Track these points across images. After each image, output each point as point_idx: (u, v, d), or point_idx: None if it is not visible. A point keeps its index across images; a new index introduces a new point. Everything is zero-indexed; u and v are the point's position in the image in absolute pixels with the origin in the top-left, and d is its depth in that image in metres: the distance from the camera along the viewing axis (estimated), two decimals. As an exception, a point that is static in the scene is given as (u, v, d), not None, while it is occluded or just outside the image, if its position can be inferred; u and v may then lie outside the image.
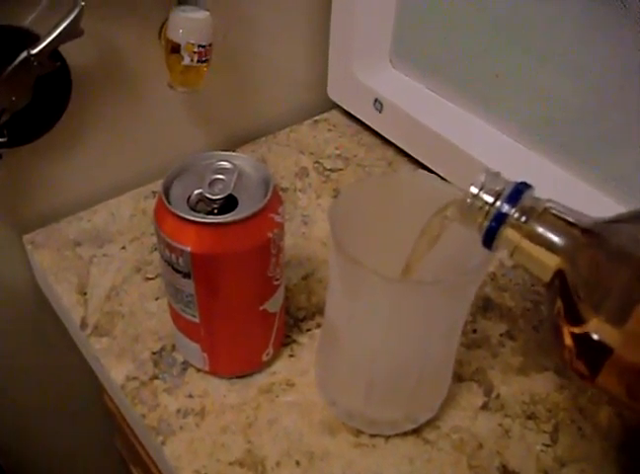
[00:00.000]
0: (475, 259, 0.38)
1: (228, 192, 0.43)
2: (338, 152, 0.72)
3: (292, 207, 0.65)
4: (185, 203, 0.43)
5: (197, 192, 0.44)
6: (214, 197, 0.43)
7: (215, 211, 0.43)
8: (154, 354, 0.53)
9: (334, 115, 0.77)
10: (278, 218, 0.44)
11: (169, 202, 0.43)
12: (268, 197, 0.43)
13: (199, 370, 0.52)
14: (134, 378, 0.52)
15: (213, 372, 0.51)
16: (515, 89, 0.60)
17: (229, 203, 0.43)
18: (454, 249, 0.41)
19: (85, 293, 0.58)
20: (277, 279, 0.47)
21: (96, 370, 0.58)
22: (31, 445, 0.83)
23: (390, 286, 0.37)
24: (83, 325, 0.55)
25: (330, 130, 0.75)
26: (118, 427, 0.72)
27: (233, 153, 0.46)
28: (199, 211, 0.43)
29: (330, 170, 0.70)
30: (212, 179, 0.44)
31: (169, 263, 0.44)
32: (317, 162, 0.71)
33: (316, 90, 0.77)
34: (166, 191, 0.44)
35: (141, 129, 0.66)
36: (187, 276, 0.44)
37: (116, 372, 0.52)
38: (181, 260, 0.43)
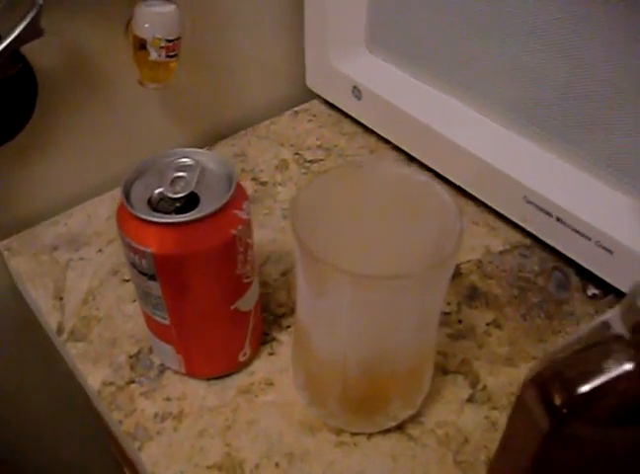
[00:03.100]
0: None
1: (190, 190, 0.42)
2: (318, 143, 0.70)
3: (272, 201, 0.64)
4: (146, 204, 0.42)
5: (158, 191, 0.42)
6: (176, 196, 0.42)
7: (178, 210, 0.42)
8: (131, 357, 0.52)
9: (314, 105, 0.76)
10: (242, 215, 0.42)
11: (130, 204, 0.41)
12: (230, 193, 0.41)
13: (176, 373, 0.51)
14: (111, 383, 0.51)
15: (190, 374, 0.50)
16: (497, 71, 0.58)
17: (192, 202, 0.42)
18: (427, 243, 0.40)
19: (61, 298, 0.56)
20: (247, 277, 0.45)
21: (76, 375, 0.57)
22: (25, 453, 0.82)
23: (354, 282, 0.35)
24: (60, 330, 0.54)
25: (310, 121, 0.74)
26: (107, 430, 0.71)
27: (196, 149, 0.44)
28: (161, 211, 0.42)
29: (310, 161, 0.68)
30: (174, 177, 0.42)
31: (134, 265, 0.43)
32: (297, 154, 0.69)
33: (295, 80, 0.75)
34: (126, 192, 0.42)
35: (115, 129, 0.65)
36: (152, 278, 0.42)
37: (92, 378, 0.51)
38: (144, 262, 0.41)
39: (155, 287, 0.43)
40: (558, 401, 0.30)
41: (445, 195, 0.39)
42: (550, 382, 0.31)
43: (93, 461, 0.90)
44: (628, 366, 0.29)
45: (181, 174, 0.43)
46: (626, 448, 0.32)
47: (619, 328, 0.30)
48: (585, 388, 0.30)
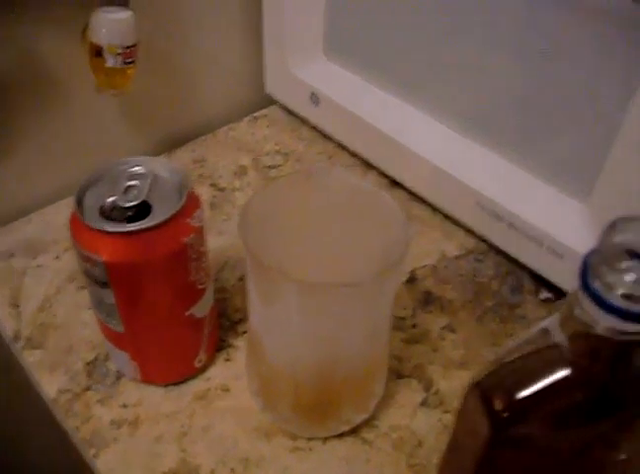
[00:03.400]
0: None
1: (142, 198, 0.42)
2: (277, 148, 0.71)
3: (231, 207, 0.64)
4: (98, 213, 0.42)
5: (110, 200, 0.42)
6: (127, 205, 0.42)
7: (130, 219, 0.42)
8: (88, 364, 0.52)
9: (273, 110, 0.76)
10: (194, 223, 0.42)
11: (82, 212, 0.42)
12: (181, 202, 0.41)
13: (132, 379, 0.51)
14: (67, 390, 0.51)
15: (146, 381, 0.50)
16: (452, 77, 0.59)
17: (144, 210, 0.42)
18: (376, 251, 0.40)
19: (18, 306, 0.56)
20: (201, 284, 0.45)
21: (33, 383, 0.57)
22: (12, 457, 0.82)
23: (302, 289, 0.36)
24: (16, 338, 0.54)
25: (269, 126, 0.74)
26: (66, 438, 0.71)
27: (148, 157, 0.45)
28: (113, 220, 0.42)
29: (269, 167, 0.69)
30: (126, 186, 0.43)
31: (87, 273, 0.43)
32: (256, 159, 0.70)
33: (254, 86, 0.75)
34: (79, 201, 0.42)
35: (73, 136, 0.65)
36: (105, 286, 0.42)
37: (48, 386, 0.51)
38: (97, 270, 0.42)
39: (108, 295, 0.43)
40: (498, 406, 0.31)
41: (393, 204, 0.39)
42: (491, 388, 0.32)
43: (58, 468, 0.89)
44: (565, 372, 0.30)
45: (133, 182, 0.43)
46: (566, 450, 0.33)
47: (558, 335, 0.31)
48: (524, 393, 0.30)
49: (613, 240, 0.27)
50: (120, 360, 0.49)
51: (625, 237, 0.28)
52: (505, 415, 0.31)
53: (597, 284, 0.27)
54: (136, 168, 0.44)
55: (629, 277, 0.26)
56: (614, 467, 0.46)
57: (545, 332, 0.32)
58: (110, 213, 0.42)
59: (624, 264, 0.27)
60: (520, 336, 0.33)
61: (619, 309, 0.27)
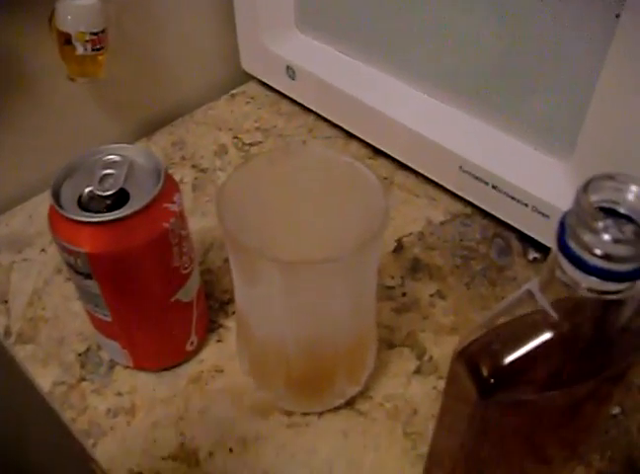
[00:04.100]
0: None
1: (119, 186, 0.42)
2: (257, 125, 0.70)
3: (213, 188, 0.64)
4: (75, 204, 0.41)
5: (88, 190, 0.42)
6: (105, 194, 0.41)
7: (109, 208, 0.42)
8: (80, 355, 0.52)
9: (251, 86, 0.75)
10: (173, 207, 0.42)
11: (60, 204, 0.41)
12: (158, 187, 0.41)
13: (126, 367, 0.51)
14: (62, 383, 0.51)
15: (138, 367, 0.50)
16: (426, 43, 0.58)
17: (123, 198, 0.42)
18: (356, 223, 0.40)
19: (6, 301, 0.56)
20: (185, 268, 0.45)
21: (28, 377, 0.57)
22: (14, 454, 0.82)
23: (282, 269, 0.36)
24: (7, 334, 0.54)
25: (248, 103, 0.73)
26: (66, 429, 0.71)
27: (123, 145, 0.44)
28: (92, 210, 0.41)
29: (250, 144, 0.68)
30: (102, 174, 0.42)
31: (70, 265, 0.43)
32: (236, 137, 0.69)
33: (230, 63, 0.74)
34: (56, 193, 0.42)
35: (49, 126, 0.64)
36: (89, 277, 0.42)
37: (43, 379, 0.51)
38: (79, 261, 0.41)
39: (93, 286, 0.43)
40: (484, 372, 0.31)
41: (371, 175, 0.39)
42: (476, 354, 0.32)
43: (62, 461, 0.90)
44: (549, 335, 0.30)
45: (109, 171, 0.43)
46: (557, 408, 0.33)
47: (540, 298, 0.30)
48: (509, 359, 0.30)
49: (588, 200, 0.27)
50: (112, 349, 0.49)
51: (600, 196, 0.28)
52: (492, 381, 0.31)
53: (575, 246, 0.27)
54: (111, 156, 0.43)
55: (607, 237, 0.26)
56: (607, 421, 0.46)
57: (529, 295, 0.32)
58: (88, 204, 0.42)
59: (601, 223, 0.26)
60: (504, 300, 0.33)
61: (599, 270, 0.27)
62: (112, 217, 0.40)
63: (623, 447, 0.46)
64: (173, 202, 0.42)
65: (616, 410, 0.47)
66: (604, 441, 0.46)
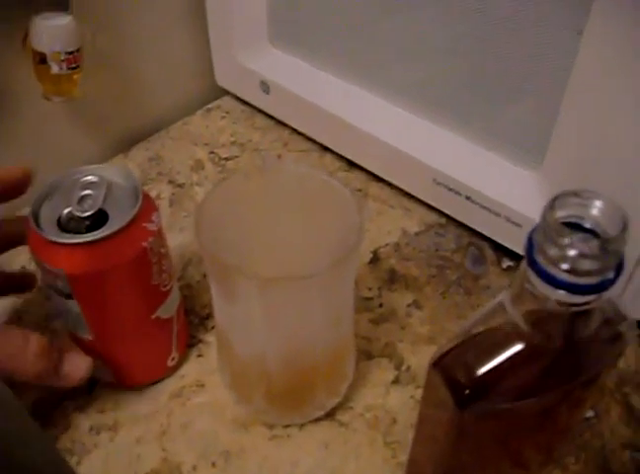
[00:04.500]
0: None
1: (97, 207, 0.42)
2: (232, 139, 0.71)
3: (191, 203, 0.64)
4: (55, 225, 0.42)
5: (66, 211, 0.43)
6: (83, 215, 0.42)
7: (88, 229, 0.42)
8: (61, 373, 0.52)
9: (226, 101, 0.76)
10: (151, 226, 0.43)
11: (39, 226, 0.42)
12: (136, 208, 0.42)
13: (108, 384, 0.51)
14: (44, 400, 0.51)
15: (122, 384, 0.50)
16: (397, 57, 0.59)
17: (102, 218, 0.42)
18: (332, 239, 0.41)
19: (-13, 319, 0.56)
20: (165, 286, 0.46)
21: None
22: None
23: (260, 285, 0.36)
24: (-13, 353, 0.54)
25: (223, 118, 0.74)
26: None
27: (101, 165, 0.45)
28: (72, 231, 0.42)
29: (226, 159, 0.69)
30: (81, 195, 0.43)
31: (49, 286, 0.43)
32: (212, 152, 0.70)
33: (205, 78, 0.75)
34: (35, 213, 0.42)
35: (25, 146, 0.64)
36: (69, 297, 0.43)
37: (25, 397, 0.51)
38: (59, 282, 0.42)
39: (74, 306, 0.43)
40: (460, 383, 0.32)
41: (345, 190, 0.40)
42: (452, 366, 0.33)
43: None
44: (520, 346, 0.31)
45: (88, 192, 0.43)
46: (533, 415, 0.34)
47: (511, 309, 0.31)
48: (483, 370, 0.31)
49: (554, 216, 0.28)
50: (95, 367, 0.49)
51: (566, 212, 0.29)
52: (467, 392, 0.32)
53: (543, 261, 0.28)
54: (90, 177, 0.44)
55: (573, 252, 0.27)
56: (581, 424, 0.47)
57: (502, 306, 0.33)
58: (67, 225, 0.42)
59: (566, 239, 0.27)
60: (478, 311, 0.34)
61: (566, 284, 0.28)
62: (91, 238, 0.40)
63: (597, 450, 0.47)
64: (151, 222, 0.43)
65: (590, 413, 0.49)
66: (579, 445, 0.47)
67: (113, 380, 0.50)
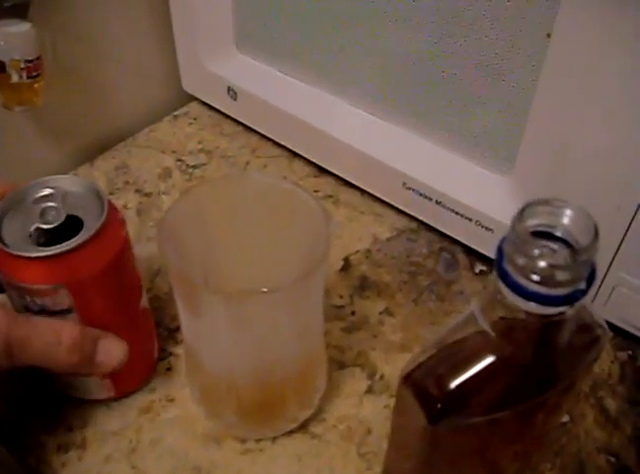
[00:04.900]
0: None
1: (62, 218, 0.41)
2: (200, 146, 0.70)
3: (158, 212, 0.63)
4: (28, 241, 0.41)
5: (34, 226, 0.41)
6: (49, 227, 0.41)
7: (61, 239, 0.40)
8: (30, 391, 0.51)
9: (193, 107, 0.75)
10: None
11: (5, 244, 0.40)
12: (104, 211, 0.41)
13: (75, 401, 0.50)
14: (10, 420, 0.49)
15: (120, 394, 0.49)
16: (363, 61, 0.59)
17: (72, 226, 0.41)
18: (300, 249, 0.40)
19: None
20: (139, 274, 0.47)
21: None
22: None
23: (225, 299, 0.35)
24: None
25: (191, 124, 0.73)
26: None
27: (58, 176, 0.43)
28: (44, 244, 0.40)
29: (193, 167, 0.68)
30: (42, 208, 0.42)
31: (43, 309, 0.41)
32: (179, 160, 0.69)
33: (172, 84, 0.74)
34: None
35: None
36: (67, 311, 0.41)
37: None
38: (48, 300, 0.41)
39: (73, 320, 0.42)
40: (431, 398, 0.31)
41: (312, 200, 0.39)
42: (422, 379, 0.32)
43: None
44: (491, 359, 0.30)
45: (50, 204, 0.42)
46: (504, 426, 0.34)
47: (482, 320, 0.31)
48: (454, 384, 0.31)
49: (524, 226, 0.28)
50: (87, 388, 0.48)
51: (537, 220, 0.28)
52: (439, 406, 0.31)
53: (512, 272, 0.27)
54: (46, 189, 0.42)
55: (542, 263, 0.26)
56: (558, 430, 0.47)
57: (473, 316, 0.32)
58: (38, 240, 0.41)
59: (536, 250, 0.27)
60: (450, 322, 0.33)
61: (537, 295, 0.27)
62: (65, 248, 0.39)
63: (573, 454, 0.47)
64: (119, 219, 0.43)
65: (565, 418, 0.48)
66: (555, 450, 0.47)
67: (110, 395, 0.49)
